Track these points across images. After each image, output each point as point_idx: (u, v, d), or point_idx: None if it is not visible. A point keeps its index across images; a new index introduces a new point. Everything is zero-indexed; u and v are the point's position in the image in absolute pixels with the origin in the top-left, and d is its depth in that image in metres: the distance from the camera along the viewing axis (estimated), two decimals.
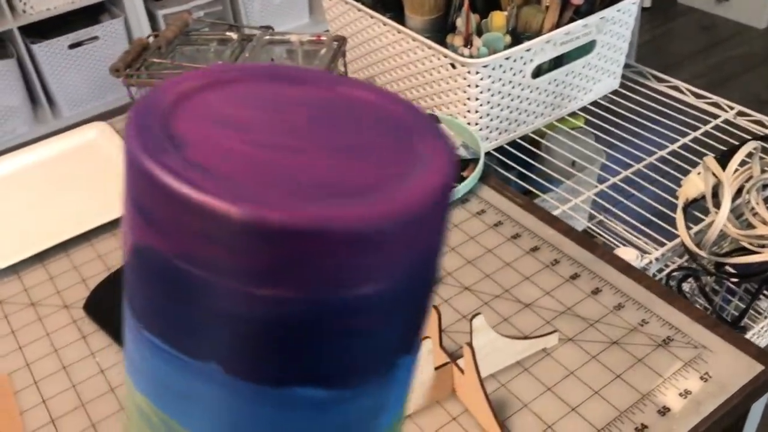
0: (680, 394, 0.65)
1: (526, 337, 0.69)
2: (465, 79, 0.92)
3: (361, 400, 0.25)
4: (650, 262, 0.84)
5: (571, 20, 0.98)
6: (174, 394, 0.25)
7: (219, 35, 1.07)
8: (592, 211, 0.98)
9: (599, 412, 0.64)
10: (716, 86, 1.15)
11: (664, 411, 0.63)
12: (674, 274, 0.84)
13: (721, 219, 0.77)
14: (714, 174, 0.81)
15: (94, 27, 2.33)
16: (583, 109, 1.10)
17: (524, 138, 1.05)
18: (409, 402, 0.65)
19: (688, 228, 0.85)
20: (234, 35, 1.07)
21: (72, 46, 2.31)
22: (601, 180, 1.02)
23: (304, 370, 0.23)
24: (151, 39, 1.04)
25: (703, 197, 0.86)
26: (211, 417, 0.24)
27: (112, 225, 0.88)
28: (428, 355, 0.62)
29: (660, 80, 1.18)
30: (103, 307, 0.76)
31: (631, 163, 1.01)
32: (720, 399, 0.64)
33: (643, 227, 0.93)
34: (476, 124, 0.97)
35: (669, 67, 1.18)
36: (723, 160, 0.83)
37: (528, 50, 0.93)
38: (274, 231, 0.21)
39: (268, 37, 1.05)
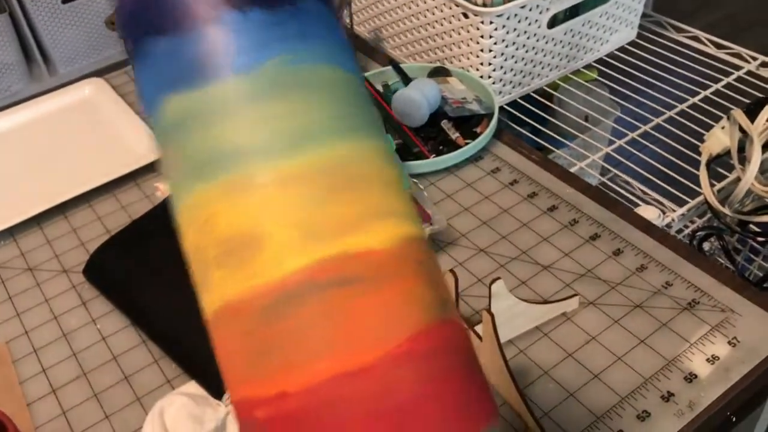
0: (707, 360, 0.62)
1: (545, 302, 0.66)
2: (478, 29, 0.88)
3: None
4: (672, 221, 0.81)
5: None
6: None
7: None
8: (606, 165, 0.94)
9: (623, 379, 0.61)
10: (732, 36, 1.10)
11: (690, 378, 0.61)
12: (698, 233, 0.81)
13: (750, 175, 0.74)
14: (741, 128, 0.77)
15: None
16: (597, 61, 1.06)
17: (536, 91, 1.01)
18: None
19: (711, 185, 0.82)
20: None
21: (65, 1, 2.24)
22: (617, 135, 0.98)
23: None
24: None
25: (728, 152, 0.82)
26: None
27: (111, 186, 0.85)
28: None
29: (679, 30, 1.13)
30: (104, 271, 0.73)
31: (650, 117, 0.97)
32: (749, 365, 0.61)
33: (661, 183, 0.89)
34: (489, 77, 0.92)
35: (682, 16, 1.13)
36: (750, 113, 0.79)
37: None
38: None
39: None
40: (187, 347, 0.65)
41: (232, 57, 0.26)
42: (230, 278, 0.25)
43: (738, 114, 0.77)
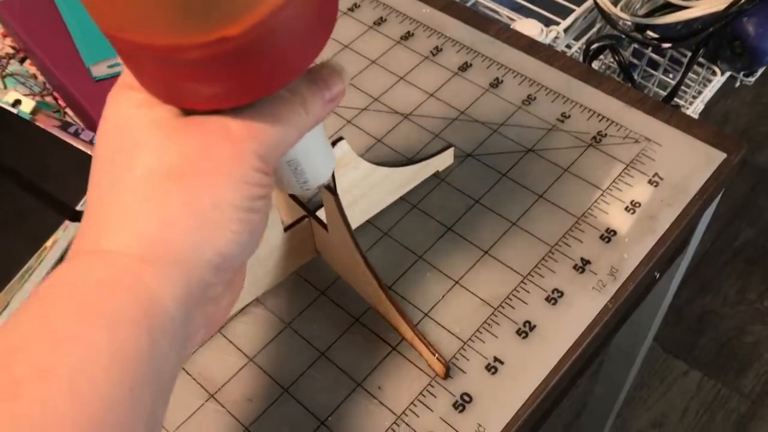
0: (627, 209, 0.47)
1: (410, 161, 0.49)
2: None
3: None
4: (557, 36, 0.63)
5: None
6: None
7: None
8: None
9: (521, 252, 0.45)
10: None
11: (608, 235, 0.46)
12: (592, 47, 0.65)
13: None
14: None
15: None
16: None
17: None
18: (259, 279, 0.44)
19: None
20: None
21: None
22: None
23: None
24: None
25: None
26: None
27: None
28: (271, 213, 0.40)
29: None
30: None
31: None
32: (678, 207, 0.47)
33: None
34: None
35: None
36: None
37: None
38: None
39: None
40: None
41: None
42: None
43: None
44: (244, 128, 0.26)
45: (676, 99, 0.66)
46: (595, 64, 0.71)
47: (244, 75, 0.26)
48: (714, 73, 0.66)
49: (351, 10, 0.60)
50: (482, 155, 0.51)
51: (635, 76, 0.69)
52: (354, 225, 0.46)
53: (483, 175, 0.49)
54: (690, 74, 0.66)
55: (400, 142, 0.52)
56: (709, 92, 0.67)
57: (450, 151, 0.49)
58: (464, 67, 0.56)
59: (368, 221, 0.48)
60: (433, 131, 0.52)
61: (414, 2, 0.60)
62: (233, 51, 0.25)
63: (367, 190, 0.46)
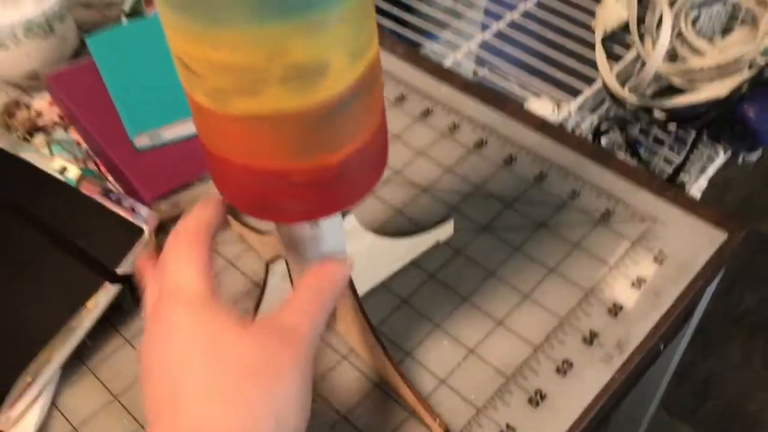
0: (633, 285, 0.50)
1: (412, 232, 0.51)
2: None
3: None
4: (568, 114, 0.67)
5: None
6: None
7: None
8: (483, 56, 0.79)
9: (533, 322, 0.48)
10: None
11: (615, 310, 0.48)
12: (602, 126, 0.68)
13: (660, 51, 0.61)
14: None
15: None
16: None
17: None
18: None
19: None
20: None
21: None
22: (492, 19, 0.83)
23: None
24: None
25: (624, 27, 0.69)
26: None
27: None
28: (283, 284, 0.43)
29: None
30: None
31: None
32: (681, 284, 0.50)
33: (549, 72, 0.75)
34: None
35: None
36: None
37: None
38: None
39: None
40: None
41: None
42: (292, 93, 0.29)
43: None
44: (298, 328, 0.33)
45: (680, 175, 0.69)
46: (604, 139, 0.75)
47: (333, 195, 0.32)
48: (717, 152, 0.70)
49: None
50: (495, 228, 0.53)
51: (641, 152, 0.73)
52: (362, 291, 0.48)
53: (497, 248, 0.52)
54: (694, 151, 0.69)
55: (419, 213, 0.55)
56: (712, 170, 0.70)
57: (450, 223, 0.52)
58: (480, 143, 0.59)
59: (388, 289, 0.50)
60: (450, 204, 0.55)
61: (433, 81, 0.64)
62: (330, 175, 0.31)
63: (373, 259, 0.49)
